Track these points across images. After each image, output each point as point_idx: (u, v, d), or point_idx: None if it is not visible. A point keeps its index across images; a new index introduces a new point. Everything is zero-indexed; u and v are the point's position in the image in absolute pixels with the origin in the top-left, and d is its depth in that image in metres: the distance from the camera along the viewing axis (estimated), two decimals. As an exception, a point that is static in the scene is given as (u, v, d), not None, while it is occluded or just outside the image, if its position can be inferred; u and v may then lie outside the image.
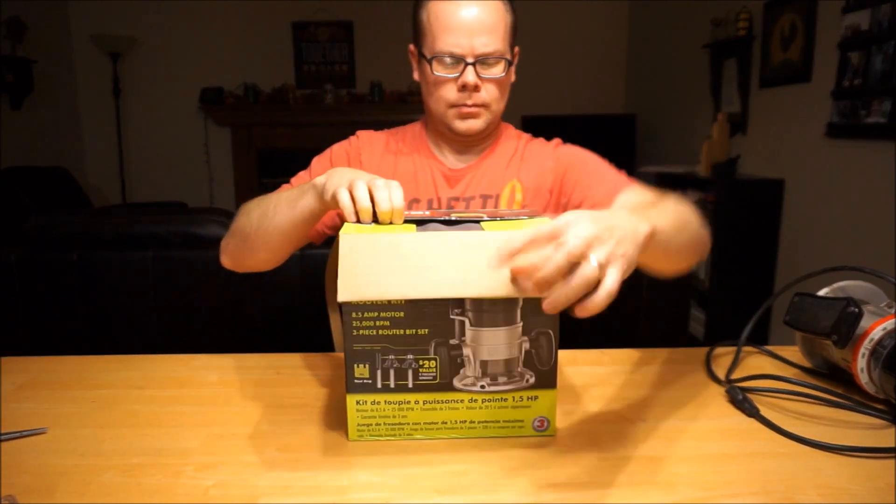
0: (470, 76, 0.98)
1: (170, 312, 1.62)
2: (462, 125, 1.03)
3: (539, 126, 4.44)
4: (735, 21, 3.11)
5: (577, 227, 0.54)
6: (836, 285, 0.86)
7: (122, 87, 4.51)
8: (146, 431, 0.72)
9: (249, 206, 0.93)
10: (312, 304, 1.46)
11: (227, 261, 0.98)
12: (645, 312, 1.20)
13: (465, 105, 1.01)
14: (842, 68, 2.40)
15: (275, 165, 4.64)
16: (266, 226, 0.87)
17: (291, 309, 1.63)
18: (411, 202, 1.06)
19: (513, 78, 1.06)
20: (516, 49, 1.05)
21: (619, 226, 0.57)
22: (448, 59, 0.98)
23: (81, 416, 0.76)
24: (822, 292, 0.86)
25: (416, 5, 1.03)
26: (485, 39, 0.97)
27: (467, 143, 1.09)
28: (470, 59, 0.97)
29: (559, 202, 1.07)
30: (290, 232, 0.86)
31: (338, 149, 1.12)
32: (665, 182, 3.50)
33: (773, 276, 2.90)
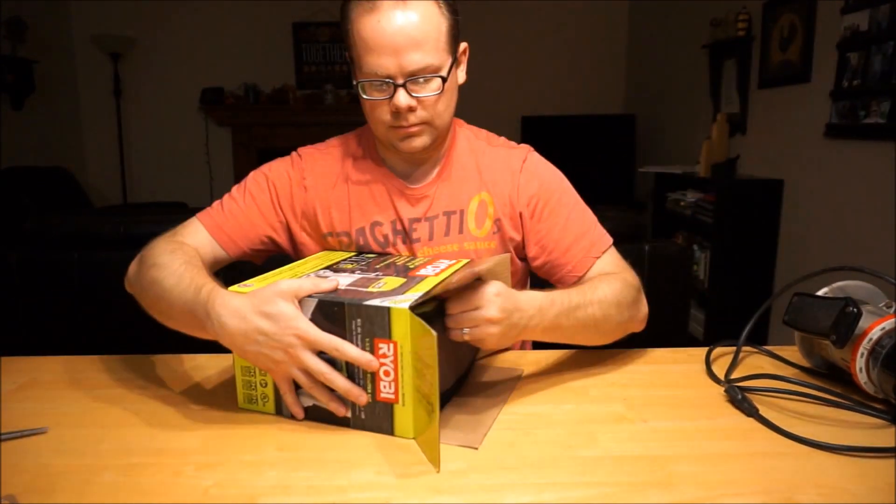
0: (401, 99, 0.88)
1: (170, 312, 1.61)
2: (404, 145, 0.93)
3: (539, 126, 4.47)
4: (734, 21, 3.11)
5: (489, 308, 0.75)
6: (835, 285, 0.86)
7: (123, 87, 4.52)
8: (146, 431, 0.72)
9: (149, 267, 0.85)
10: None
11: (129, 289, 0.93)
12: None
13: (403, 126, 0.91)
14: (841, 69, 2.40)
15: (275, 166, 4.64)
16: (163, 309, 0.82)
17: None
18: (373, 225, 0.99)
19: (461, 80, 0.97)
20: (462, 47, 0.95)
21: (518, 325, 0.78)
22: (377, 82, 0.88)
23: (81, 416, 0.76)
24: (821, 292, 0.86)
25: (341, 12, 0.92)
26: (414, 56, 0.86)
27: (417, 159, 1.00)
28: (399, 81, 0.87)
29: (523, 226, 1.01)
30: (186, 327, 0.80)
31: (278, 170, 1.02)
32: (665, 182, 3.51)
33: (772, 277, 2.90)
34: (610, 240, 1.01)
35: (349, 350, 0.69)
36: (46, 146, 4.11)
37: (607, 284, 0.90)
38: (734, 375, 0.85)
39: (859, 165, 2.34)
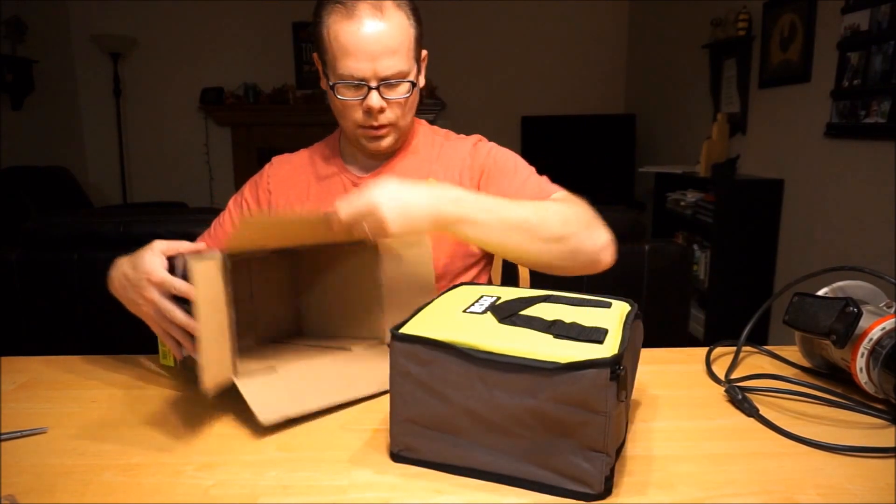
0: (374, 100, 0.95)
1: (170, 312, 1.61)
2: (371, 145, 1.02)
3: (539, 126, 4.47)
4: (735, 21, 3.11)
5: (370, 191, 0.76)
6: (835, 285, 0.86)
7: (123, 87, 4.52)
8: (146, 431, 0.72)
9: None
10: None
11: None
12: (645, 312, 1.20)
13: (373, 127, 0.99)
14: (841, 68, 2.40)
15: (275, 165, 4.64)
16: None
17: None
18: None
19: (421, 83, 1.03)
20: (424, 54, 1.03)
21: (409, 202, 0.77)
22: (352, 84, 0.95)
23: (81, 416, 0.76)
24: (821, 292, 0.86)
25: (314, 16, 0.98)
26: (388, 62, 0.93)
27: (378, 157, 1.08)
28: (373, 83, 0.94)
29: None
30: None
31: (250, 182, 1.14)
32: (665, 182, 3.51)
33: (772, 276, 2.90)
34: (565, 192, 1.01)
35: (178, 285, 0.74)
36: (46, 146, 4.11)
37: (552, 201, 0.91)
38: (734, 375, 0.85)
39: (859, 165, 2.34)
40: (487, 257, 1.12)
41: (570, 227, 0.86)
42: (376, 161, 1.08)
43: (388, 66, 0.94)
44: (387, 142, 1.03)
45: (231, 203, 1.15)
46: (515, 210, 0.83)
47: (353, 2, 0.93)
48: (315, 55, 1.02)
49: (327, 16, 0.95)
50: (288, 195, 1.10)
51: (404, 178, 1.04)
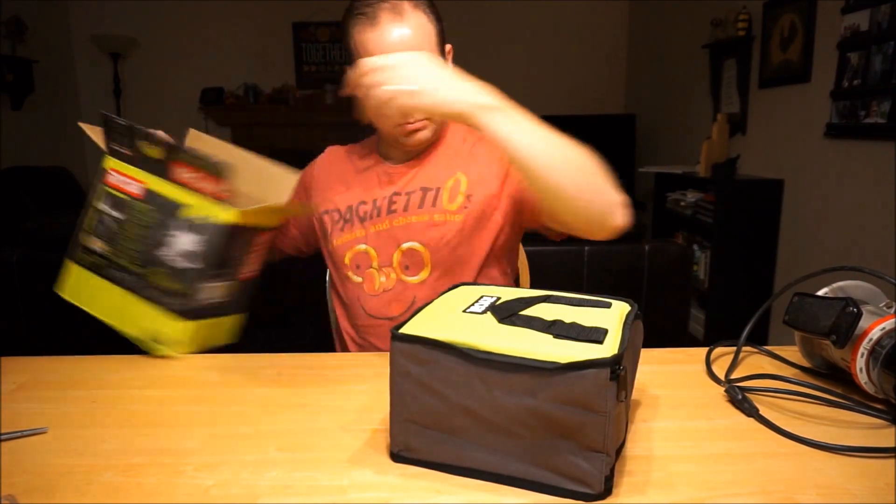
0: None
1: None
2: (410, 140, 1.07)
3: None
4: (735, 21, 3.11)
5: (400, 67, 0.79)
6: (835, 285, 0.86)
7: (123, 87, 4.52)
8: (146, 431, 0.72)
9: None
10: (313, 303, 1.46)
11: None
12: (645, 312, 1.20)
13: (410, 123, 1.04)
14: (841, 69, 2.40)
15: (275, 166, 4.64)
16: None
17: (291, 309, 1.63)
18: (359, 204, 1.11)
19: None
20: (448, 48, 1.07)
21: (448, 76, 0.80)
22: None
23: (81, 416, 0.76)
24: (821, 292, 0.86)
25: (341, 28, 1.04)
26: None
27: (414, 151, 1.12)
28: None
29: (502, 189, 1.08)
30: None
31: (304, 172, 1.22)
32: (665, 182, 3.50)
33: (772, 276, 2.90)
34: None
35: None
36: (46, 146, 4.11)
37: None
38: (734, 375, 0.85)
39: (859, 165, 2.34)
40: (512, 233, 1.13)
41: (595, 179, 0.86)
42: (409, 155, 1.12)
43: None
44: (424, 134, 1.07)
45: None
46: (553, 131, 0.84)
47: (373, 9, 0.97)
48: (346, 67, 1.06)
49: (352, 27, 1.00)
50: (329, 180, 1.18)
51: (434, 171, 1.09)
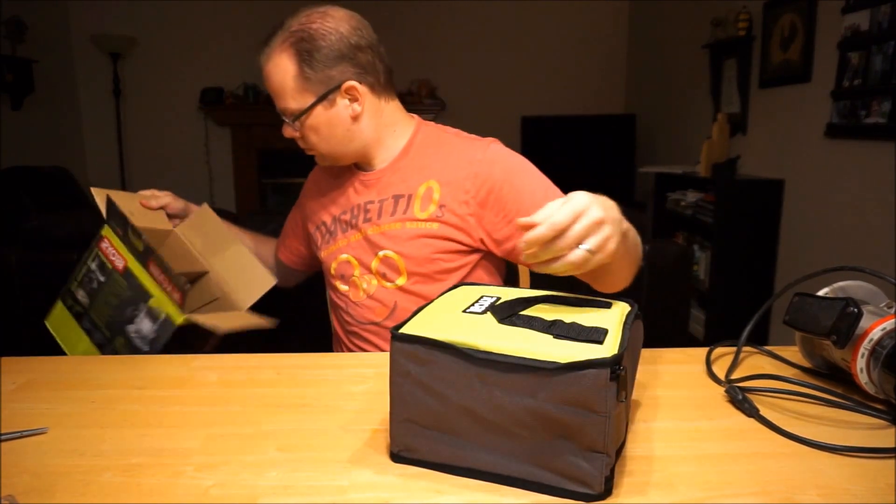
0: (284, 132, 1.09)
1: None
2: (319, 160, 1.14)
3: (539, 126, 4.47)
4: (735, 21, 3.11)
5: (590, 209, 0.67)
6: (835, 285, 0.86)
7: (123, 87, 4.52)
8: (146, 431, 0.72)
9: None
10: (312, 303, 1.46)
11: None
12: (645, 312, 1.20)
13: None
14: (841, 68, 2.40)
15: (275, 165, 4.64)
16: None
17: (291, 309, 1.63)
18: (340, 214, 1.14)
19: (350, 113, 1.05)
20: (347, 85, 1.03)
21: (616, 218, 0.73)
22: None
23: (81, 416, 0.76)
24: (821, 292, 0.86)
25: None
26: (278, 101, 1.06)
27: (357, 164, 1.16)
28: (283, 117, 1.07)
29: (479, 214, 1.04)
30: None
31: (299, 195, 1.29)
32: (665, 182, 3.50)
33: (772, 277, 2.90)
34: None
35: None
36: (46, 146, 4.11)
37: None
38: (735, 376, 0.85)
39: (860, 165, 2.34)
40: (476, 266, 1.11)
41: (639, 246, 0.93)
42: (365, 161, 1.14)
43: (279, 104, 1.06)
44: (322, 160, 1.13)
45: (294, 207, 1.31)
46: (633, 231, 0.85)
47: (265, 43, 1.04)
48: None
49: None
50: (314, 197, 1.22)
51: (405, 177, 1.08)
